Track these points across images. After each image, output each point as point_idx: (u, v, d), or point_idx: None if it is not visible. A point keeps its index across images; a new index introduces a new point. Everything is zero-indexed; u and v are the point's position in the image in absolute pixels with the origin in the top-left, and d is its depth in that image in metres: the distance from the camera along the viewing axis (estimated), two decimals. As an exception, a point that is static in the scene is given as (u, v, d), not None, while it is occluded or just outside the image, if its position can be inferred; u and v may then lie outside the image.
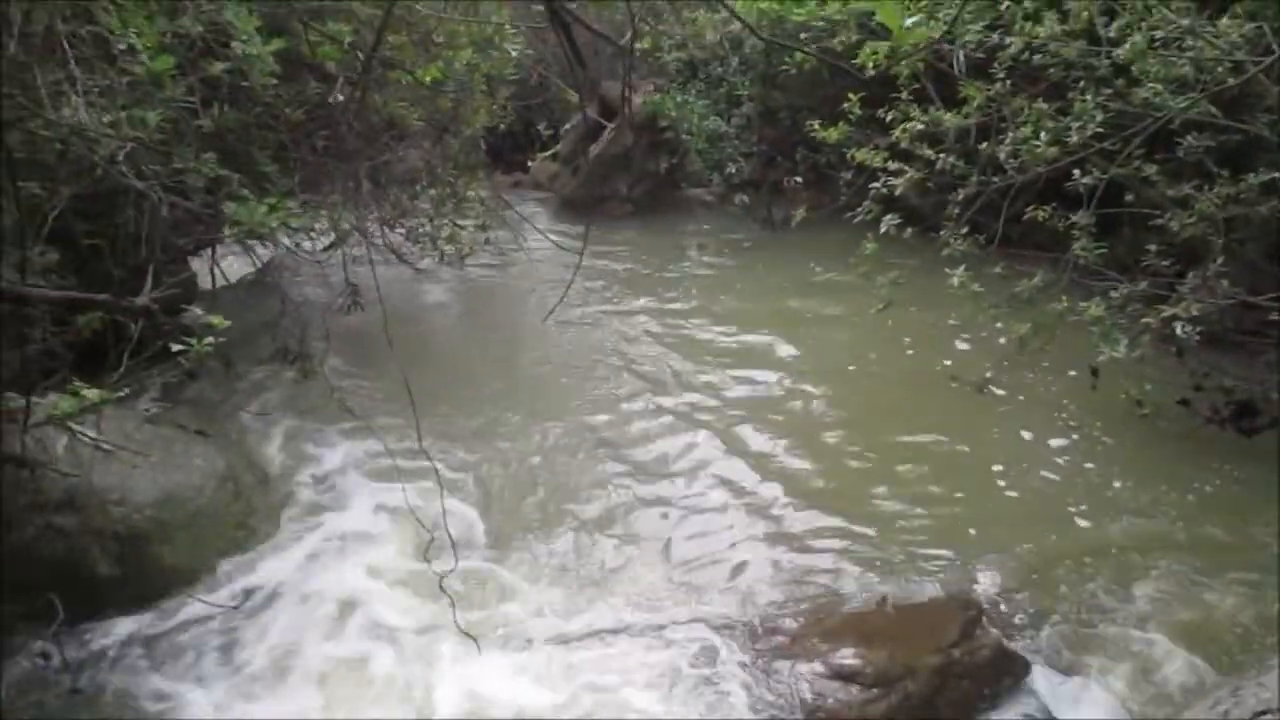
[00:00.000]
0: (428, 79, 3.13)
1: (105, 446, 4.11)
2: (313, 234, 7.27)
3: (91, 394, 3.27)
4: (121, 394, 3.47)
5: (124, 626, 3.93)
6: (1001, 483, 4.90)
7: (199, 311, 3.43)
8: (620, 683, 3.64)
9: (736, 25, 8.86)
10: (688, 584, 4.29)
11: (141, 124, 4.00)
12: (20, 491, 3.88)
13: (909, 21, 2.44)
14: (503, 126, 10.19)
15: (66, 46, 4.07)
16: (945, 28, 4.11)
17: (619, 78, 10.37)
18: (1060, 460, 5.07)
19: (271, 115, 5.12)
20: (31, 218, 4.11)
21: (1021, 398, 5.57)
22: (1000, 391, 5.43)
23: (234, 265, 7.19)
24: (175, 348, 3.29)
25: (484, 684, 3.61)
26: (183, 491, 4.40)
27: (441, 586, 3.31)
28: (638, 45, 9.95)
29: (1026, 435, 5.28)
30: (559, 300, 4.93)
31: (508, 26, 5.82)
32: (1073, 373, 5.65)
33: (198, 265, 6.58)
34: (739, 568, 4.37)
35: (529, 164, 11.72)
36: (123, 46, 4.07)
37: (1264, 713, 2.98)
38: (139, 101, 4.02)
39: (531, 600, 4.11)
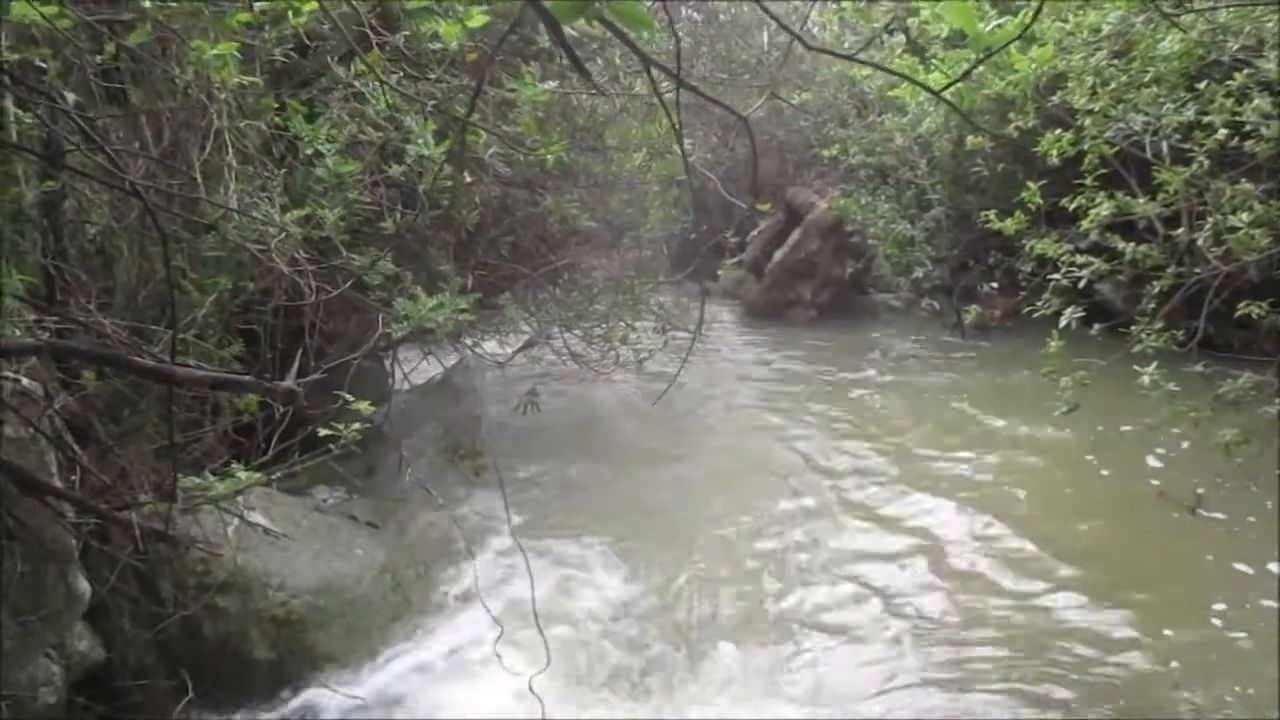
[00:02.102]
0: (550, 159, 3.15)
1: (269, 531, 4.24)
2: (498, 337, 7.55)
3: (244, 475, 3.37)
4: (274, 476, 3.55)
5: (272, 711, 3.95)
6: (1218, 621, 4.30)
7: (349, 398, 3.46)
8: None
9: (925, 128, 8.69)
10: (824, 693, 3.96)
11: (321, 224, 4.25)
12: (187, 573, 4.03)
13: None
14: (692, 235, 10.43)
15: (255, 152, 4.40)
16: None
17: (804, 183, 10.37)
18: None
19: (448, 217, 5.34)
20: (219, 310, 4.42)
21: (1232, 517, 4.92)
22: (1211, 514, 4.83)
23: (426, 369, 7.45)
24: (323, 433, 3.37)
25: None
26: (341, 580, 4.47)
27: (531, 688, 3.23)
28: (824, 152, 9.96)
29: (1243, 564, 4.65)
30: (666, 388, 4.75)
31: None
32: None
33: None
34: (887, 684, 4.00)
35: (719, 273, 11.79)
36: (309, 152, 4.37)
37: None
38: (322, 202, 4.26)
39: (670, 701, 3.88)
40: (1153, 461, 5.58)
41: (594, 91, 5.23)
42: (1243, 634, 4.15)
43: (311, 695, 4.05)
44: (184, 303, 4.02)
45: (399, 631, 4.51)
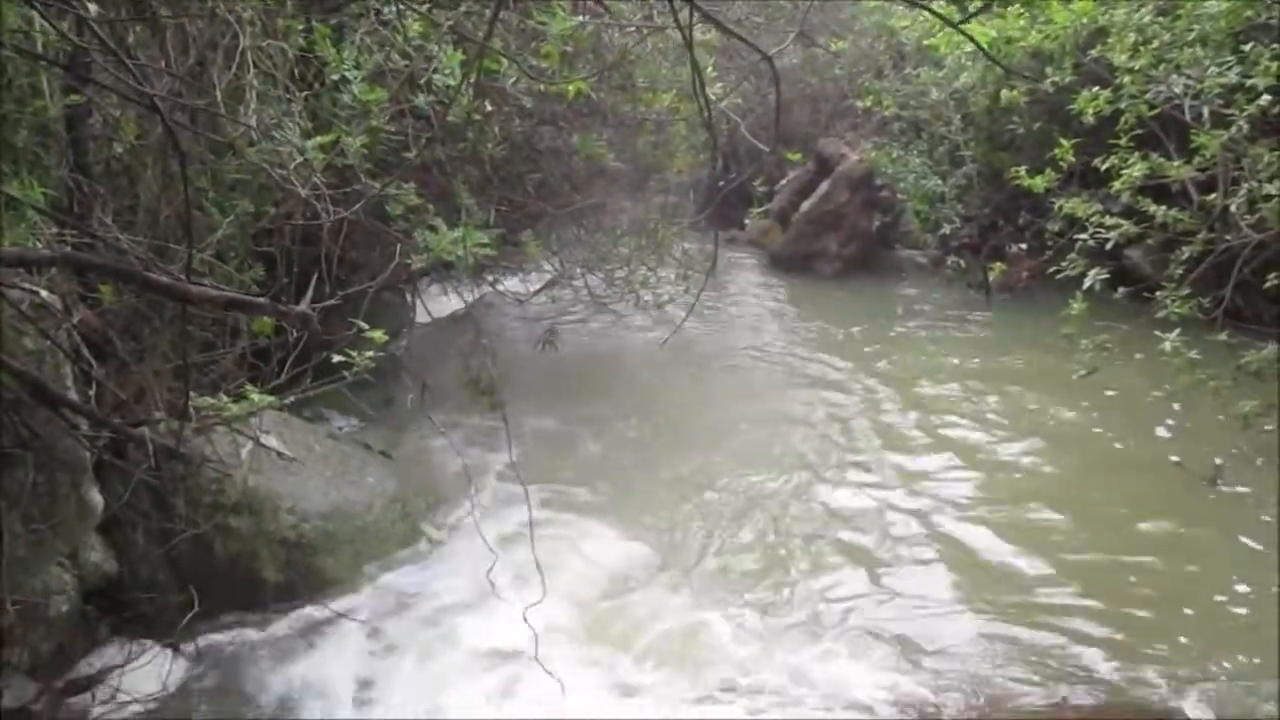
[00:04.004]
0: (572, 90, 3.10)
1: (282, 454, 4.28)
2: (520, 274, 7.54)
3: (258, 398, 3.39)
4: (288, 401, 3.59)
5: (278, 628, 4.02)
6: (1225, 589, 4.27)
7: (364, 326, 3.47)
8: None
9: (961, 82, 8.52)
10: (847, 652, 3.97)
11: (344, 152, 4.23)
12: (201, 492, 4.08)
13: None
14: (721, 183, 10.31)
15: (280, 75, 4.38)
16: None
17: (836, 134, 10.23)
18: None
19: (473, 150, 5.30)
20: (239, 233, 4.43)
21: (1245, 489, 4.87)
22: (1229, 488, 4.77)
23: (447, 303, 7.45)
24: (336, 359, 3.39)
25: None
26: (352, 506, 4.52)
27: (525, 618, 3.27)
28: (858, 103, 9.81)
29: (1258, 536, 4.60)
30: (675, 329, 4.72)
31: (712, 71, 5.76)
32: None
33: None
34: (907, 645, 4.01)
35: (745, 221, 11.69)
36: (335, 77, 4.33)
37: None
38: (346, 129, 4.23)
39: (674, 646, 3.92)
40: (1169, 430, 5.52)
41: (621, 23, 5.14)
42: (1254, 606, 4.13)
43: (317, 616, 4.12)
44: (204, 224, 4.03)
45: (405, 559, 4.57)
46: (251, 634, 3.97)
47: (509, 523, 4.78)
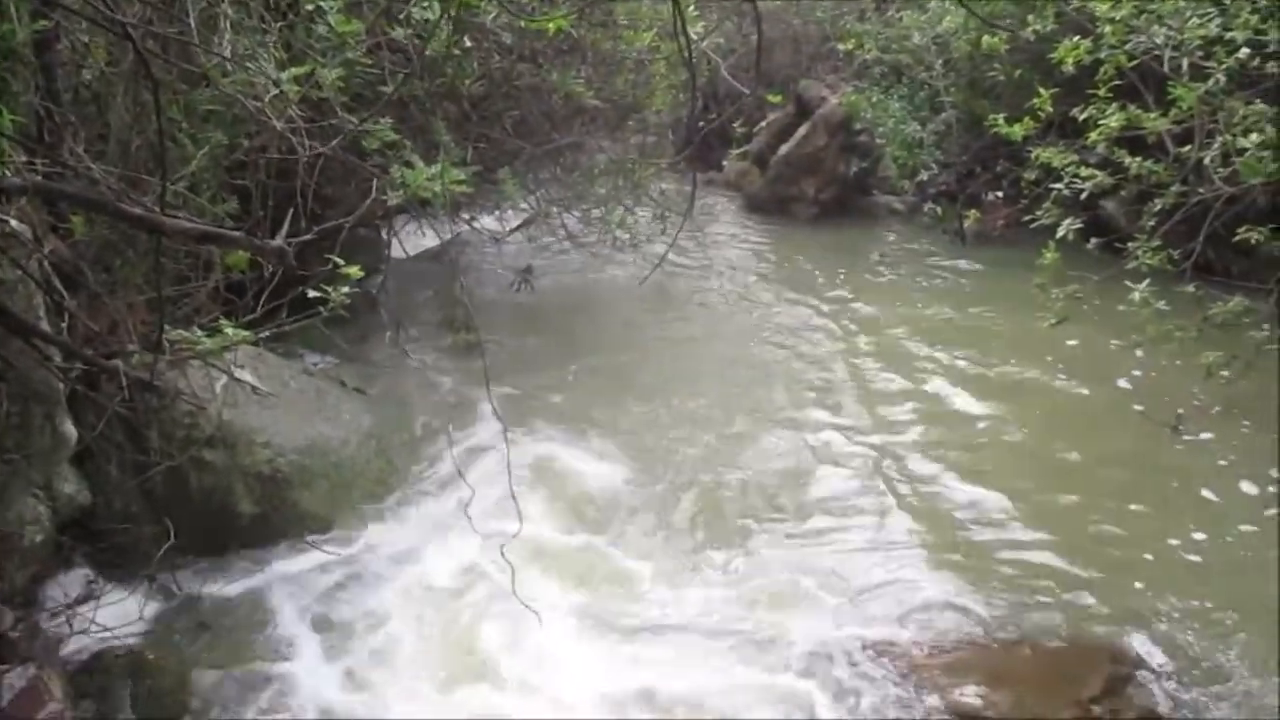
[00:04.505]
0: (552, 27, 3.06)
1: (257, 389, 4.27)
2: (496, 212, 7.50)
3: (233, 332, 3.38)
4: (262, 335, 3.57)
5: (254, 563, 4.06)
6: (1180, 535, 4.38)
7: (340, 261, 3.45)
8: (720, 685, 3.47)
9: (943, 27, 8.47)
10: (814, 594, 4.05)
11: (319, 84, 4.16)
12: (175, 425, 4.07)
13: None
14: (700, 124, 10.23)
15: (254, 4, 4.29)
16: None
17: (817, 76, 10.15)
18: (1250, 518, 4.48)
19: (451, 86, 5.23)
20: (212, 165, 4.37)
21: (1209, 436, 4.98)
22: (1192, 437, 4.86)
23: (423, 241, 7.41)
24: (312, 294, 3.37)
25: (558, 660, 3.56)
26: (327, 442, 4.53)
27: (502, 553, 3.31)
28: (840, 46, 9.74)
29: (1215, 482, 4.71)
30: (654, 268, 4.75)
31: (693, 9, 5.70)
32: (1271, 416, 5.01)
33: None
34: (869, 585, 4.09)
35: (724, 163, 11.62)
36: (310, 7, 4.25)
37: None
38: (321, 61, 4.17)
39: (641, 586, 3.99)
40: (1133, 381, 5.61)
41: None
42: (1207, 552, 4.24)
43: (292, 550, 4.15)
44: (176, 155, 3.98)
45: (380, 495, 4.61)
46: (228, 567, 4.01)
47: (483, 458, 4.84)
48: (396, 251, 7.03)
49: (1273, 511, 4.45)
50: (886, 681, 3.52)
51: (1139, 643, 3.70)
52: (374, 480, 4.66)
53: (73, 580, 3.71)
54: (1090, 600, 3.93)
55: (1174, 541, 4.26)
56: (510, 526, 3.63)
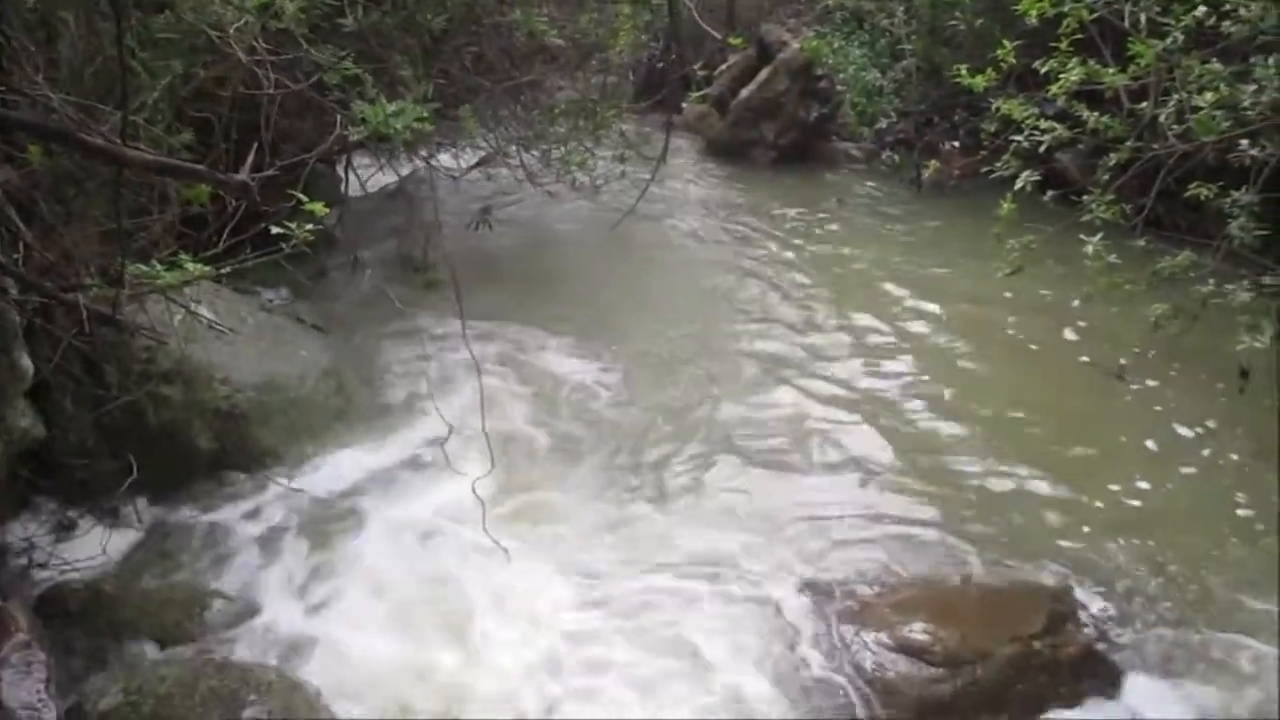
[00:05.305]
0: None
1: (215, 325, 4.23)
2: (454, 150, 7.41)
3: (193, 267, 3.34)
4: (223, 271, 3.54)
5: (213, 498, 4.07)
6: (1121, 479, 4.52)
7: (303, 198, 3.42)
8: (671, 621, 3.56)
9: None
10: (765, 536, 4.14)
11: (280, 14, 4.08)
12: (132, 360, 4.04)
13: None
14: (660, 64, 10.15)
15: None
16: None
17: (779, 21, 10.10)
18: (1191, 464, 4.64)
19: (412, 20, 5.16)
20: (169, 96, 4.28)
21: (1155, 385, 5.13)
22: (1139, 388, 5.00)
23: (380, 178, 7.32)
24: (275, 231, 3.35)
25: (519, 594, 3.62)
26: (285, 379, 4.52)
27: (474, 489, 3.37)
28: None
29: (1158, 430, 4.87)
30: (624, 214, 4.76)
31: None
32: (1215, 368, 5.17)
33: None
34: (821, 527, 4.18)
35: (683, 105, 11.55)
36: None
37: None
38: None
39: (593, 519, 4.09)
40: (1081, 331, 5.73)
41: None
42: (1148, 499, 4.39)
43: (252, 485, 4.16)
44: (132, 85, 3.89)
45: (340, 432, 4.61)
46: (187, 501, 4.02)
47: (444, 394, 4.83)
48: (352, 188, 6.99)
49: (1207, 452, 4.64)
50: (834, 618, 3.63)
51: (1079, 584, 3.85)
52: (333, 417, 4.66)
53: (33, 515, 3.70)
54: (1033, 543, 4.07)
55: (1115, 487, 4.40)
56: (471, 463, 3.68)
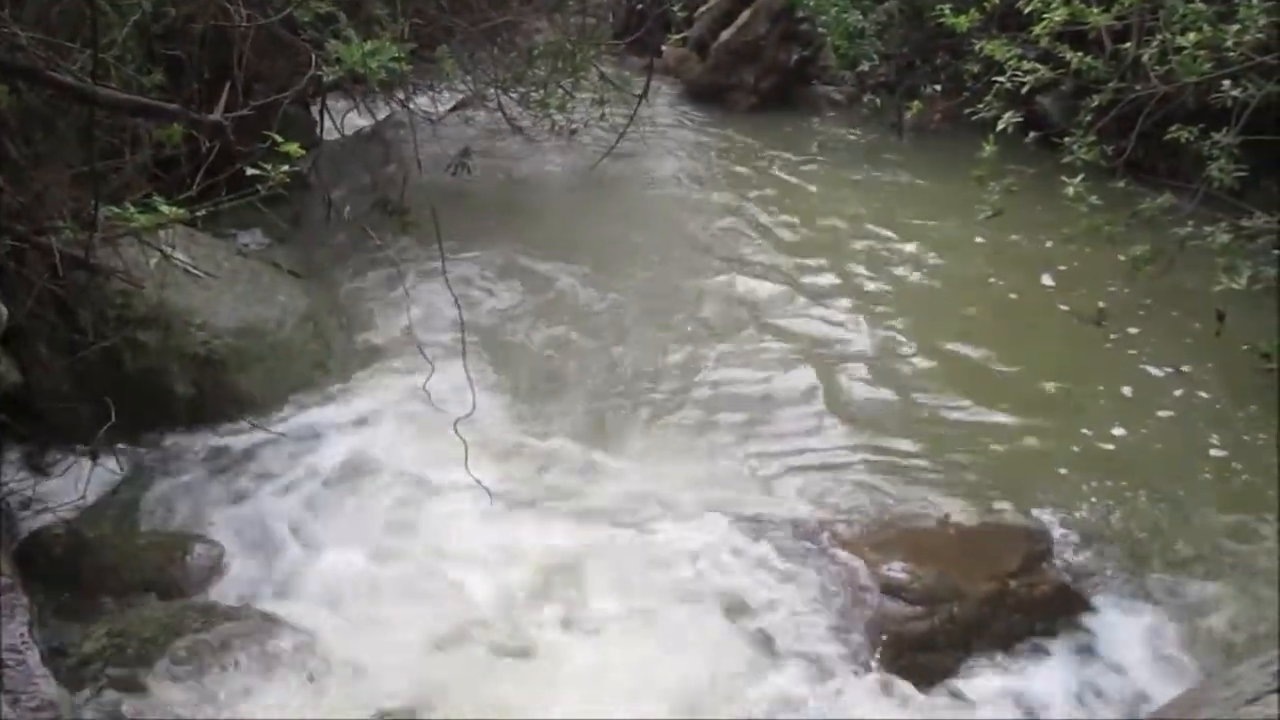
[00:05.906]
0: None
1: (192, 270, 4.19)
2: (431, 92, 7.31)
3: (168, 210, 3.29)
4: (199, 214, 3.49)
5: (193, 444, 4.05)
6: (1100, 422, 4.56)
7: (279, 139, 3.36)
8: (651, 560, 3.60)
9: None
10: (746, 474, 4.18)
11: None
12: (107, 304, 3.99)
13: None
14: (639, 5, 10.00)
15: None
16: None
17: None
18: (1168, 406, 4.69)
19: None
20: (138, 34, 4.18)
21: (1133, 330, 5.16)
22: (1116, 332, 5.03)
23: (355, 120, 7.22)
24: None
25: (504, 537, 3.63)
26: (263, 324, 4.49)
27: (456, 430, 3.36)
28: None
29: (1134, 373, 4.91)
30: (604, 154, 4.71)
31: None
32: (1192, 309, 5.21)
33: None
34: (802, 469, 4.22)
35: (662, 48, 11.41)
36: None
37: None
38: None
39: (571, 462, 4.10)
40: (1059, 276, 5.75)
41: None
42: (1122, 443, 4.42)
43: (232, 430, 4.15)
44: (101, 22, 3.79)
45: (320, 378, 4.59)
46: (165, 447, 4.00)
47: (424, 334, 4.79)
48: (328, 133, 6.88)
49: (1180, 392, 4.69)
50: (814, 556, 3.67)
51: (1054, 524, 3.90)
52: (311, 363, 4.64)
53: (10, 460, 3.68)
54: (1010, 484, 4.11)
55: (1090, 430, 4.45)
56: (453, 405, 3.67)
